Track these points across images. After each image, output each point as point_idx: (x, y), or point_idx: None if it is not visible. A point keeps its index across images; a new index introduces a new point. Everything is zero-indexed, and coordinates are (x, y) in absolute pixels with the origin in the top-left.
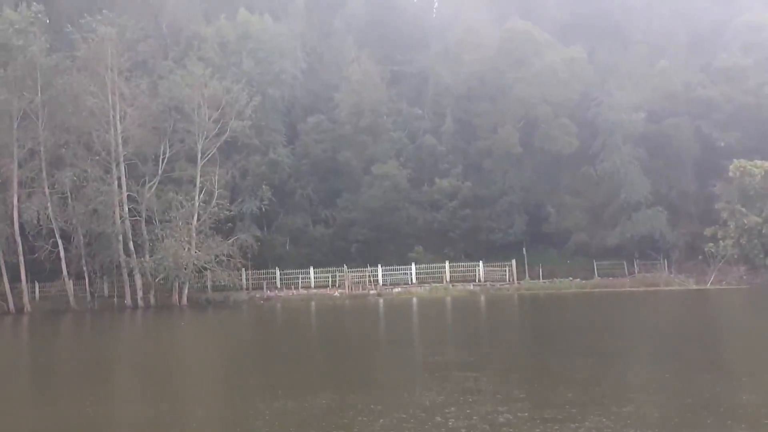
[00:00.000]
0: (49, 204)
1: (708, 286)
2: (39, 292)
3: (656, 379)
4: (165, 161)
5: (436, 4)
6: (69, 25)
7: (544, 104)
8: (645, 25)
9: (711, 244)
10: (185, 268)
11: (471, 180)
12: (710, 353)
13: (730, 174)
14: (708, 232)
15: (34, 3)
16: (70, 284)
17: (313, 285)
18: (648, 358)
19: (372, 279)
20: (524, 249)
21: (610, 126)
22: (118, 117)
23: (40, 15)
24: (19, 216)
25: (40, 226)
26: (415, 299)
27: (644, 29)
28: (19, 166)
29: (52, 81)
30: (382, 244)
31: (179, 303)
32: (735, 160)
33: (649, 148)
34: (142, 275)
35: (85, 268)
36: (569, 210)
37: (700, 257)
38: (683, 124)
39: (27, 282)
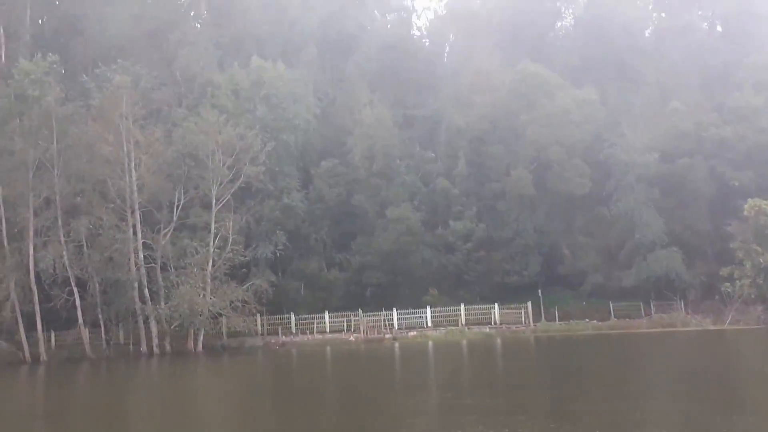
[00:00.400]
0: (64, 252)
1: (725, 326)
2: (55, 340)
3: (687, 422)
4: (180, 208)
5: (447, 48)
6: (84, 75)
7: (556, 146)
8: (656, 66)
9: (727, 284)
10: (200, 315)
11: (485, 222)
12: (734, 395)
13: (745, 213)
14: (724, 272)
15: (50, 54)
16: (85, 332)
17: (328, 330)
18: (673, 400)
19: (387, 323)
20: (539, 291)
21: (623, 167)
22: (133, 165)
23: (55, 65)
24: (35, 265)
25: (56, 274)
26: (430, 343)
27: (655, 70)
28: (35, 215)
29: (68, 130)
30: (397, 287)
31: (194, 349)
32: (749, 199)
33: (663, 188)
34: (158, 322)
35: (100, 316)
36: (584, 251)
37: (716, 297)
38: (697, 164)
39: (43, 331)
